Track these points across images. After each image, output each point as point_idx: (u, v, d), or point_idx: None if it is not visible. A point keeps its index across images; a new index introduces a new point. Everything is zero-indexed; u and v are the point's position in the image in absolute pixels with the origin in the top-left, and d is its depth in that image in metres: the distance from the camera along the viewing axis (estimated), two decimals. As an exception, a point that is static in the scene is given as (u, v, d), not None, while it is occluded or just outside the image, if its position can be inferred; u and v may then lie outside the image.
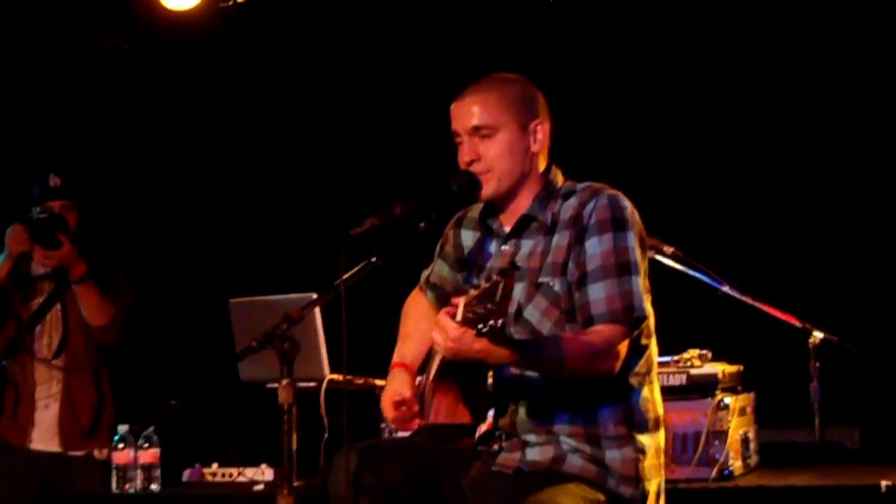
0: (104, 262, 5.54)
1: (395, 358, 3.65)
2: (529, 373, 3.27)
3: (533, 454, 3.29)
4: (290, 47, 6.87)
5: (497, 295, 2.88)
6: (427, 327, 3.67)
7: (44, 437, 5.47)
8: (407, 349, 3.67)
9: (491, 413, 3.40)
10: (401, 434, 5.04)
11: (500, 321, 2.91)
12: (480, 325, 2.93)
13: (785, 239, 6.12)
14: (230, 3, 6.56)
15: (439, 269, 3.70)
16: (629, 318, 3.25)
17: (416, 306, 3.77)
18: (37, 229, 5.36)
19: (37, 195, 5.47)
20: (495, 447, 3.37)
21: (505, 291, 2.88)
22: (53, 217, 5.38)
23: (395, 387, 3.53)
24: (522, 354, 3.13)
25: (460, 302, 2.99)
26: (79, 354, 5.50)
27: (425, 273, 3.76)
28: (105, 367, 5.58)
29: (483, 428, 3.39)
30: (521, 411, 3.33)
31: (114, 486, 5.14)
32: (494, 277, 2.90)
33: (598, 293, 3.25)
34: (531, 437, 3.31)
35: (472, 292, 2.96)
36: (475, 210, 3.57)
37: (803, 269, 6.03)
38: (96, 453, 5.46)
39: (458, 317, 2.99)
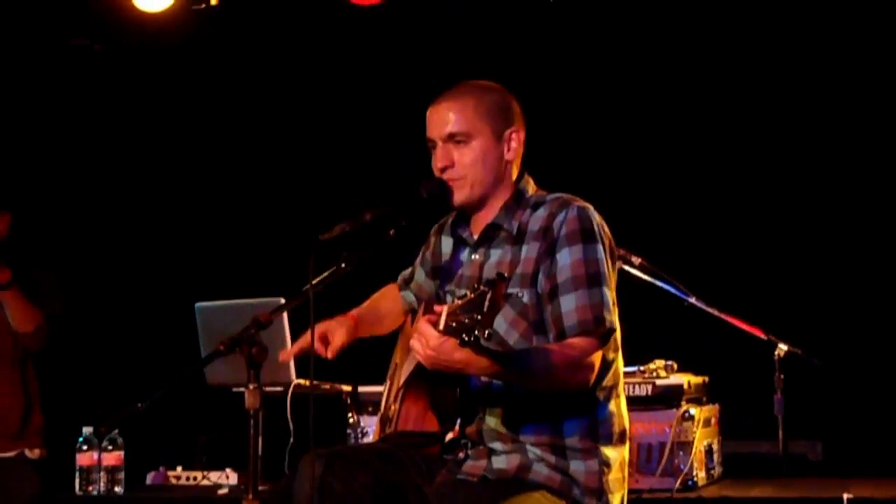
0: (33, 269, 5.51)
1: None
2: (497, 381, 3.26)
3: (499, 462, 3.29)
4: (263, 51, 6.85)
5: (484, 306, 2.84)
6: (389, 309, 3.77)
7: None
8: (364, 311, 3.74)
9: (458, 421, 3.40)
10: (367, 439, 5.06)
11: (486, 332, 2.87)
12: (465, 336, 2.88)
13: (751, 252, 6.15)
14: (203, 5, 6.54)
15: (417, 276, 3.73)
16: (600, 330, 3.25)
17: (387, 292, 3.84)
18: None
19: None
20: (461, 455, 3.36)
21: (493, 302, 2.84)
22: None
23: (332, 324, 3.55)
24: (503, 366, 3.10)
25: (442, 310, 2.96)
26: (6, 359, 5.47)
27: (404, 273, 3.78)
28: (34, 369, 5.55)
29: (450, 436, 3.39)
30: (489, 420, 3.33)
31: (77, 487, 5.13)
32: (482, 288, 2.86)
33: (568, 305, 3.25)
34: (497, 446, 3.31)
35: (457, 301, 2.92)
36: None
37: (769, 282, 6.07)
38: (28, 453, 5.44)
39: (441, 325, 2.95)
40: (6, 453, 5.44)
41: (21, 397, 5.49)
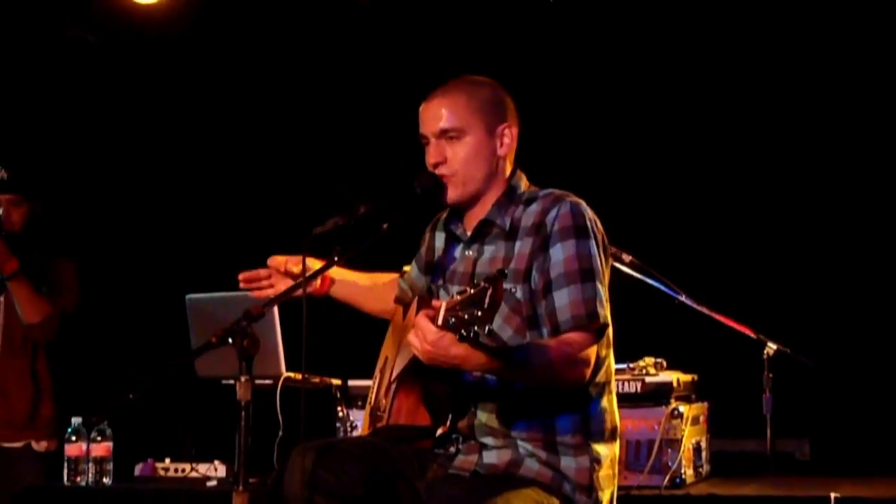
0: (46, 260, 5.49)
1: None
2: (490, 377, 3.26)
3: (490, 457, 3.30)
4: (257, 42, 6.84)
5: (485, 302, 2.84)
6: (382, 290, 3.81)
7: None
8: (353, 273, 3.76)
9: (450, 416, 3.40)
10: (356, 433, 5.06)
11: (486, 328, 2.87)
12: (464, 331, 2.88)
13: (742, 250, 6.16)
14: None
15: (412, 270, 3.72)
16: (594, 325, 3.25)
17: (391, 277, 3.84)
18: None
19: None
20: (452, 449, 3.36)
21: (493, 299, 2.84)
22: None
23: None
24: (501, 362, 3.09)
25: (441, 305, 2.95)
26: (16, 347, 5.46)
27: (407, 267, 3.78)
28: (46, 360, 5.53)
29: (441, 430, 3.39)
30: (480, 415, 3.33)
31: (65, 478, 5.12)
32: (482, 283, 2.86)
33: (562, 300, 3.25)
34: (489, 441, 3.32)
35: (456, 297, 2.91)
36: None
37: (759, 281, 6.08)
38: (34, 445, 5.44)
39: (439, 320, 2.94)
40: (13, 443, 5.45)
41: (30, 388, 5.48)
